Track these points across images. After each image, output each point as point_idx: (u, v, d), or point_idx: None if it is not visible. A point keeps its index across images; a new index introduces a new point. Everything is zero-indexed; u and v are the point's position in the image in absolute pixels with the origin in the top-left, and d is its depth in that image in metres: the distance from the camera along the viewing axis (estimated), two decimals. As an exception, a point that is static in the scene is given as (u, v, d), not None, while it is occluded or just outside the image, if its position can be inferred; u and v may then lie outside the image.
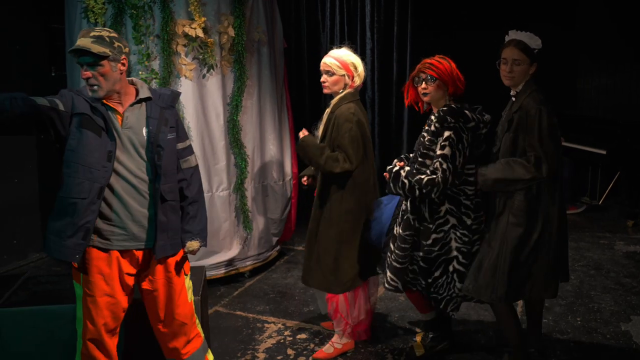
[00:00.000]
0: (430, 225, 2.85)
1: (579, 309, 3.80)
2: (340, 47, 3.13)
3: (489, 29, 5.94)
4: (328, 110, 3.08)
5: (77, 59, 2.25)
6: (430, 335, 3.24)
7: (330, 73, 3.04)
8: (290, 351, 3.35)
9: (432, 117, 2.86)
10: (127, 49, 2.35)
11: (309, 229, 3.19)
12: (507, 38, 2.81)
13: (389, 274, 3.00)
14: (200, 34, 3.92)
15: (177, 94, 2.54)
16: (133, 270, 2.43)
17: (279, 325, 3.70)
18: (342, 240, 3.08)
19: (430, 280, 2.92)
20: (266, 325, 3.70)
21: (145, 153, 2.37)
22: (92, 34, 2.27)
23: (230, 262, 4.32)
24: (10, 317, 2.81)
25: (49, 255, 2.37)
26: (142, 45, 3.85)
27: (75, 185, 2.28)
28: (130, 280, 2.44)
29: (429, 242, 2.85)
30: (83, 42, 2.23)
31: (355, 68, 3.07)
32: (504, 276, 2.73)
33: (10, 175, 4.80)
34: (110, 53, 2.26)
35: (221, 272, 4.30)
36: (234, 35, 4.10)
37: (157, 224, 2.38)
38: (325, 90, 3.09)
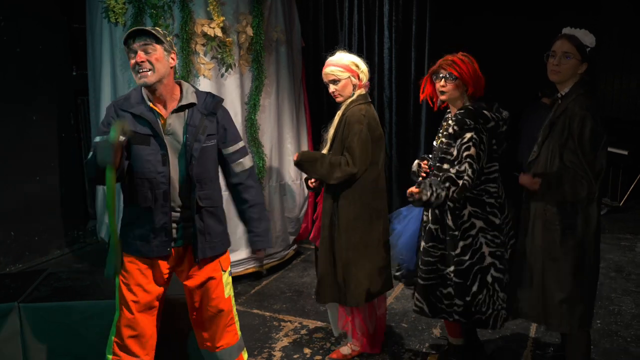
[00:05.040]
0: (456, 233, 2.70)
1: (599, 312, 3.75)
2: (334, 53, 3.09)
3: (512, 27, 5.91)
4: (339, 113, 3.03)
5: (132, 43, 2.28)
6: None
7: (335, 81, 3.00)
8: (306, 350, 3.36)
9: (450, 121, 2.77)
10: (175, 49, 2.42)
11: (322, 238, 3.06)
12: (558, 36, 2.61)
13: (416, 293, 2.87)
14: (219, 33, 3.94)
15: (220, 101, 2.50)
16: (167, 265, 2.47)
17: (296, 324, 3.71)
18: (354, 249, 2.98)
19: (468, 299, 2.70)
20: (283, 323, 3.71)
21: (181, 160, 2.39)
22: (146, 27, 2.36)
23: (247, 261, 4.34)
24: (32, 313, 2.86)
25: (139, 256, 2.41)
26: (162, 45, 3.89)
27: (141, 196, 2.36)
28: (165, 272, 2.48)
29: (458, 251, 2.69)
30: (140, 27, 2.32)
31: (357, 66, 3.02)
32: (553, 300, 2.53)
33: (32, 173, 4.88)
34: (164, 41, 2.33)
35: (238, 270, 4.31)
36: (252, 34, 4.11)
37: (195, 229, 2.43)
38: (338, 99, 3.04)
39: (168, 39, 2.38)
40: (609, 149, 5.87)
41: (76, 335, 2.87)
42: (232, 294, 2.63)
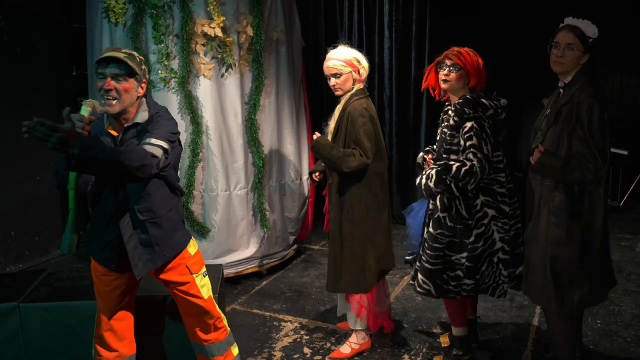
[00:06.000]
0: (470, 222, 2.79)
1: (599, 312, 3.75)
2: (335, 46, 3.12)
3: (512, 27, 5.91)
4: (339, 107, 3.08)
5: (105, 68, 2.24)
6: (455, 353, 3.05)
7: (337, 75, 3.04)
8: (306, 350, 3.36)
9: (450, 112, 2.83)
10: (148, 76, 2.39)
11: (331, 231, 3.15)
12: (560, 26, 2.63)
13: (419, 276, 2.94)
14: (219, 33, 3.94)
15: (150, 118, 2.37)
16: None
17: (296, 324, 3.71)
18: (367, 238, 3.08)
19: (478, 277, 2.85)
20: (283, 323, 3.71)
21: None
22: (123, 50, 2.30)
23: (247, 261, 4.34)
24: (33, 313, 2.87)
25: (97, 260, 2.49)
26: (162, 45, 3.89)
27: (97, 209, 2.42)
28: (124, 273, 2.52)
29: (472, 239, 2.79)
30: (115, 53, 2.25)
31: (359, 61, 3.07)
32: (551, 282, 2.56)
33: (32, 173, 4.88)
34: (138, 72, 2.29)
35: (238, 270, 4.32)
36: (252, 34, 4.11)
37: (139, 243, 2.40)
38: (338, 92, 3.09)
39: (143, 67, 2.34)
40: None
41: (76, 335, 2.87)
42: (212, 293, 2.63)
